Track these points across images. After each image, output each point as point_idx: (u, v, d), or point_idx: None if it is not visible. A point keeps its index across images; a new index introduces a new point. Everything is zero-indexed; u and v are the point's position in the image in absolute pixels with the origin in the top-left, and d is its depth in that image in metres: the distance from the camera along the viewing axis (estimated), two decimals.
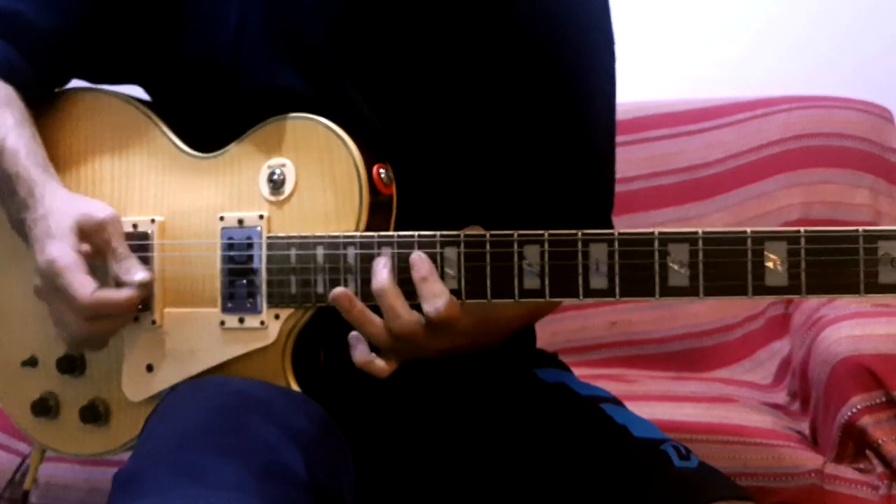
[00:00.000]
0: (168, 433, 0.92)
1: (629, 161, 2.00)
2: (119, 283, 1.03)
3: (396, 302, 0.98)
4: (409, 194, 1.06)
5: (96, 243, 1.04)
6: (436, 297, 0.96)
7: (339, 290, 0.99)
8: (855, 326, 1.42)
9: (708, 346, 1.94)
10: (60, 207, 1.03)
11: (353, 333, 1.01)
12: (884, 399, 1.34)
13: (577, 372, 1.28)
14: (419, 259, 0.98)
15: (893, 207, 1.97)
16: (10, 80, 1.10)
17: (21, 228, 1.06)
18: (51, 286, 1.01)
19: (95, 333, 1.03)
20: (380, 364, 1.01)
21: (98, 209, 1.05)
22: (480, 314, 1.02)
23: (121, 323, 1.05)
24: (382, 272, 0.98)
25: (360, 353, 1.01)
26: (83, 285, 0.99)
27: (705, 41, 2.38)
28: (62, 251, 1.00)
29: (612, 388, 1.25)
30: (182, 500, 0.80)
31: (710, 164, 2.08)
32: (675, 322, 1.97)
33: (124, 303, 1.02)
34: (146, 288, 1.04)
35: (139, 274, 1.03)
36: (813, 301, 1.67)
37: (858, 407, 1.35)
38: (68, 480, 1.55)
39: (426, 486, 1.11)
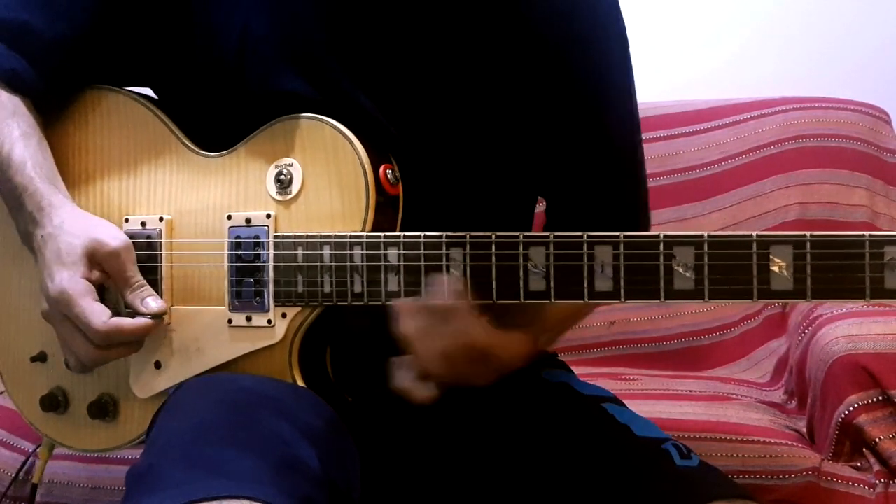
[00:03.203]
0: (182, 428, 0.93)
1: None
2: (132, 310, 1.05)
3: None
4: (415, 195, 1.07)
5: (108, 271, 1.05)
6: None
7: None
8: (852, 325, 1.42)
9: (705, 345, 1.95)
10: (70, 229, 1.04)
11: (394, 359, 1.00)
12: (880, 397, 1.35)
13: (576, 370, 1.29)
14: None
15: (890, 208, 1.98)
16: (17, 89, 1.11)
17: (29, 242, 1.07)
18: (62, 313, 1.02)
19: (106, 359, 1.05)
20: (421, 390, 0.99)
21: (110, 236, 1.05)
22: (526, 344, 1.03)
23: (132, 350, 1.06)
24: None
25: (399, 378, 1.00)
26: (97, 314, 1.01)
27: (702, 43, 2.39)
28: (72, 280, 1.01)
29: (611, 386, 1.25)
30: (204, 492, 0.81)
31: (707, 165, 2.09)
32: (673, 321, 1.98)
33: (138, 331, 1.03)
34: (160, 318, 1.05)
35: (154, 304, 1.05)
36: None
37: (855, 405, 1.35)
38: (71, 478, 1.55)
39: (431, 484, 1.11)
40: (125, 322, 1.03)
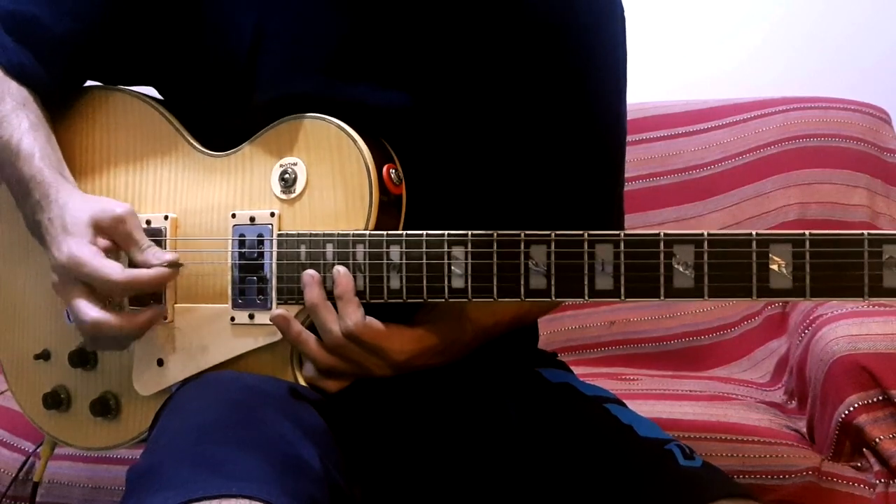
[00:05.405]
0: (184, 427, 0.93)
1: (628, 162, 2.00)
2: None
3: (328, 316, 1.01)
4: (418, 194, 1.07)
5: (115, 238, 1.05)
6: (347, 317, 1.00)
7: (277, 311, 1.02)
8: (852, 325, 1.42)
9: (706, 345, 1.95)
10: (75, 206, 1.04)
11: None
12: (880, 397, 1.35)
13: (576, 371, 1.29)
14: (338, 275, 1.01)
15: (890, 208, 1.97)
16: (25, 83, 1.11)
17: (37, 230, 1.07)
18: (73, 279, 1.02)
19: (120, 329, 1.04)
20: (327, 382, 1.04)
21: (114, 204, 1.06)
22: (430, 342, 1.05)
23: (148, 319, 1.06)
24: (313, 288, 1.01)
25: (308, 370, 1.05)
26: (112, 267, 1.01)
27: (704, 44, 2.40)
28: (80, 244, 1.01)
29: (611, 386, 1.26)
30: (205, 491, 0.81)
31: (707, 165, 2.09)
32: (674, 321, 1.98)
33: (155, 280, 1.03)
34: (175, 269, 1.05)
35: (168, 255, 1.05)
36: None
37: (855, 405, 1.35)
38: (71, 478, 1.56)
39: (433, 485, 1.11)
40: (142, 272, 1.03)
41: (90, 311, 1.02)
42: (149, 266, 1.04)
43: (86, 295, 1.02)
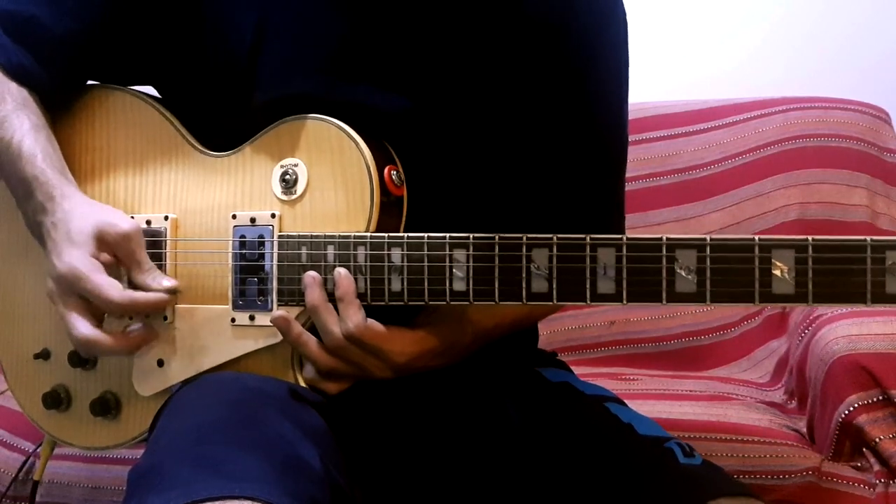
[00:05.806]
0: (185, 428, 0.93)
1: (628, 162, 2.02)
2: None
3: (329, 318, 1.01)
4: (420, 195, 1.07)
5: (118, 254, 1.05)
6: (348, 318, 1.00)
7: (278, 313, 1.02)
8: (852, 325, 1.42)
9: (706, 345, 1.95)
10: (80, 213, 1.05)
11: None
12: (880, 397, 1.35)
13: (576, 370, 1.29)
14: (339, 276, 1.01)
15: (890, 208, 1.97)
16: (25, 83, 1.11)
17: (38, 231, 1.07)
18: (70, 291, 1.02)
19: (106, 342, 1.04)
20: (328, 384, 1.04)
21: (121, 219, 1.06)
22: (431, 344, 1.05)
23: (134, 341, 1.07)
24: (314, 289, 1.01)
25: (308, 371, 1.05)
26: (112, 286, 1.02)
27: (704, 44, 2.40)
28: (83, 257, 1.02)
29: (611, 386, 1.26)
30: (206, 492, 0.81)
31: (707, 165, 2.09)
32: (674, 321, 1.98)
33: (152, 303, 1.04)
34: (173, 295, 1.06)
35: (167, 281, 1.05)
36: None
37: (855, 405, 1.36)
38: (71, 478, 1.55)
39: (434, 486, 1.11)
40: (141, 295, 1.04)
41: (83, 328, 1.03)
42: (148, 290, 1.05)
43: (81, 310, 1.03)
